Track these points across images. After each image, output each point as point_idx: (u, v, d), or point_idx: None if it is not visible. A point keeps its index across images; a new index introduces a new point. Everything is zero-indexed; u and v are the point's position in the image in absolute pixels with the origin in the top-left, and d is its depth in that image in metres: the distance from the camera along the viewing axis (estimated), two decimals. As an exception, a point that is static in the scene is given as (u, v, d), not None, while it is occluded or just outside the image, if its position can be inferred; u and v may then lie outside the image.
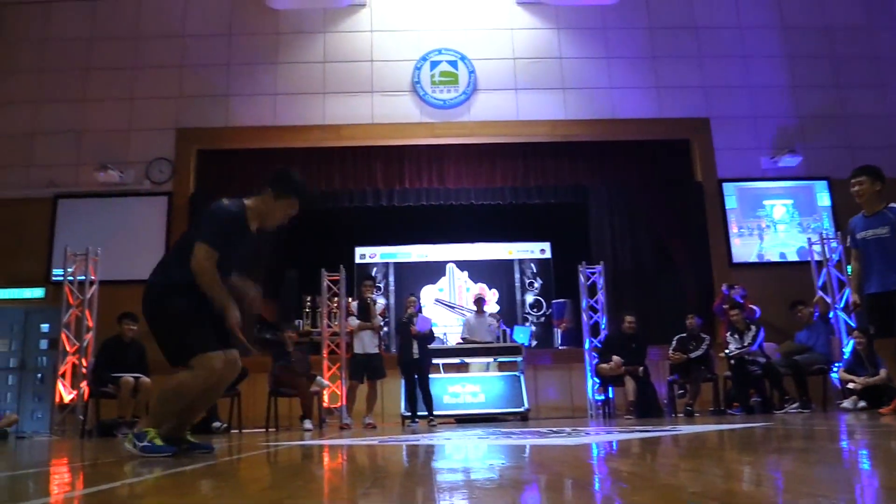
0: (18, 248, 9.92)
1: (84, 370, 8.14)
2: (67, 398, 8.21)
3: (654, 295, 10.56)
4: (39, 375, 10.13)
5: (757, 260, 10.29)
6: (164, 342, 3.33)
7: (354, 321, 7.99)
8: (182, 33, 10.80)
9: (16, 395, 10.04)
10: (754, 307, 8.87)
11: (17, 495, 1.99)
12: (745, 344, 8.14)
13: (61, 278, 8.65)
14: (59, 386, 8.23)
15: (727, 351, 8.25)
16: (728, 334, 8.40)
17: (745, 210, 10.43)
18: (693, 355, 8.47)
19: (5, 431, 7.71)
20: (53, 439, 7.39)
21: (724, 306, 8.85)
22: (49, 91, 10.54)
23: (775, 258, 10.27)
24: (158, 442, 3.18)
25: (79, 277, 8.55)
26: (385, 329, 9.53)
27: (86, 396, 7.92)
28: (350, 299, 8.54)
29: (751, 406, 7.93)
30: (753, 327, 8.25)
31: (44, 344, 10.22)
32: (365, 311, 8.02)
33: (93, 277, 8.55)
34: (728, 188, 10.44)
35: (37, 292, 9.83)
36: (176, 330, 3.29)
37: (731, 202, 10.42)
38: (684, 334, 8.67)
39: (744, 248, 10.33)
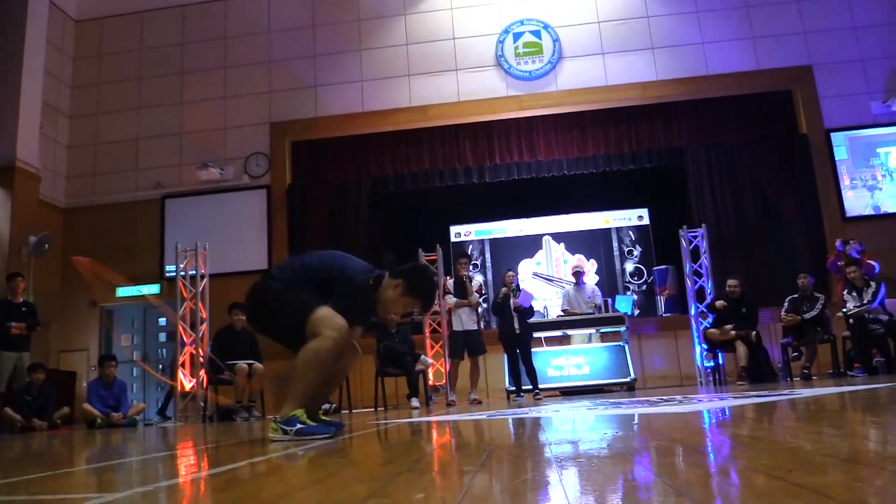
0: (134, 248, 10.55)
1: (202, 359, 8.55)
2: (188, 386, 8.65)
3: (762, 255, 10.15)
4: (160, 366, 10.73)
5: (872, 212, 9.70)
6: (277, 330, 3.15)
7: (451, 299, 8.05)
8: (268, 29, 11.08)
9: (141, 386, 10.71)
10: (873, 262, 8.34)
11: (150, 477, 2.11)
12: (865, 302, 7.72)
13: (174, 274, 9.10)
14: (180, 375, 8.68)
15: (845, 310, 7.84)
16: (845, 292, 7.98)
17: (856, 160, 9.83)
18: (807, 316, 8.10)
19: (134, 419, 8.24)
20: (178, 425, 7.81)
21: (840, 263, 8.40)
22: (149, 97, 11.09)
23: (893, 209, 9.66)
24: (311, 422, 2.96)
25: (190, 272, 8.95)
26: (484, 306, 9.54)
27: (205, 384, 8.33)
28: (447, 278, 8.60)
29: (874, 366, 7.55)
30: (873, 284, 7.82)
31: (162, 336, 10.85)
32: (461, 289, 8.06)
33: (203, 271, 8.94)
34: (837, 138, 9.86)
35: (153, 288, 10.39)
36: (280, 307, 3.07)
37: (840, 153, 9.83)
38: (797, 295, 8.30)
39: (857, 201, 9.75)
